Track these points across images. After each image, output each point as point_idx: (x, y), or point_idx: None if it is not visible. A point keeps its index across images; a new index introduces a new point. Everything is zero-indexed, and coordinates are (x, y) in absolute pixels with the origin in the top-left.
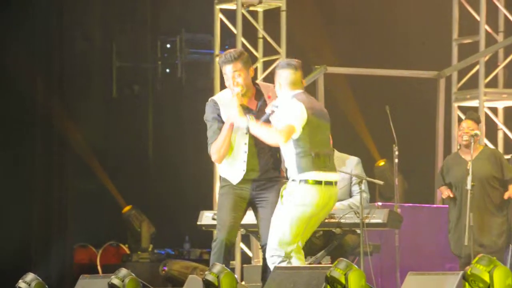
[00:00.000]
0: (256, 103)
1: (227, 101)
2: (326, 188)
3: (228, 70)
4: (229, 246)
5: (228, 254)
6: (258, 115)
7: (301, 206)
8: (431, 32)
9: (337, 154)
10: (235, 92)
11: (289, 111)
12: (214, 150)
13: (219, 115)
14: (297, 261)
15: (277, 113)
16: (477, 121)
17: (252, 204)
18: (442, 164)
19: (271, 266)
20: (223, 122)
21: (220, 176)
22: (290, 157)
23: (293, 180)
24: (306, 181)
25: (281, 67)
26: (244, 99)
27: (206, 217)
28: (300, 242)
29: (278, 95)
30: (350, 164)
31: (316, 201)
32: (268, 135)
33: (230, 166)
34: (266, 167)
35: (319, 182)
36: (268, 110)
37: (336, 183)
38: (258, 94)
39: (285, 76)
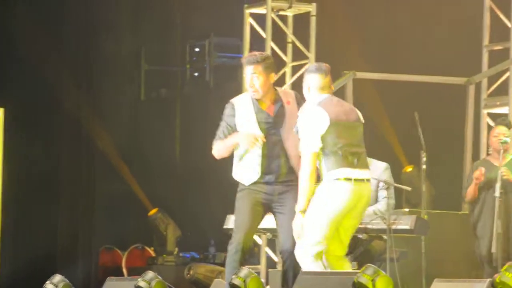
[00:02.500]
0: (273, 108)
1: (245, 104)
2: (356, 185)
3: (248, 70)
4: (246, 249)
5: (243, 258)
6: (275, 120)
7: (330, 204)
8: (461, 38)
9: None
10: (253, 142)
11: (307, 122)
12: (215, 151)
13: (232, 117)
14: (328, 263)
15: (299, 118)
16: (509, 127)
17: (270, 209)
18: (471, 168)
19: (303, 267)
20: (232, 127)
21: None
22: (319, 159)
23: (322, 180)
24: (335, 179)
25: (310, 71)
26: (262, 104)
27: (232, 221)
28: (331, 244)
29: (306, 98)
30: (378, 169)
31: (345, 197)
32: (304, 181)
33: (244, 169)
34: (280, 170)
35: (348, 179)
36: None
37: (368, 180)
38: (277, 99)
39: (315, 80)
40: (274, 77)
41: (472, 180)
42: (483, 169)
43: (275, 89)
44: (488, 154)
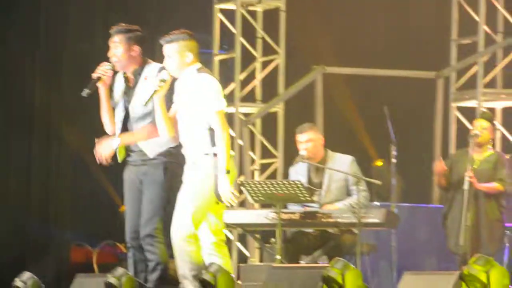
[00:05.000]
0: (133, 81)
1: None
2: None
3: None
4: (135, 247)
5: (136, 258)
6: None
7: (215, 178)
8: (430, 32)
9: (330, 153)
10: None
11: (210, 90)
12: None
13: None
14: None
15: (186, 91)
16: (489, 120)
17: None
18: (448, 158)
19: (183, 250)
20: None
21: None
22: (200, 132)
23: (206, 154)
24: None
25: (185, 39)
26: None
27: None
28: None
29: (176, 69)
30: (344, 163)
31: (232, 172)
32: (227, 140)
33: None
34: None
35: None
36: (155, 86)
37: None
38: (138, 72)
39: (193, 46)
40: (137, 49)
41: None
42: (441, 162)
43: (144, 63)
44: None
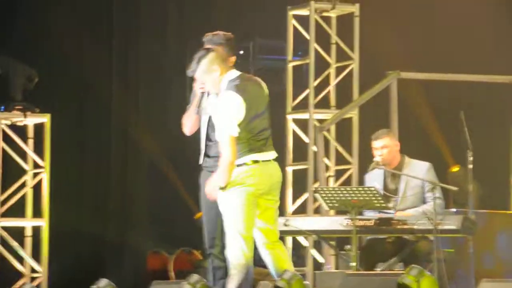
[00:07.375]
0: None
1: None
2: (264, 166)
3: None
4: (214, 254)
5: (215, 265)
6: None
7: (244, 188)
8: (507, 36)
9: (407, 160)
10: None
11: (225, 108)
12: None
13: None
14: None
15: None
16: None
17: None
18: None
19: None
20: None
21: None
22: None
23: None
24: (243, 164)
25: (213, 43)
26: None
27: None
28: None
29: (212, 83)
30: (421, 169)
31: (257, 179)
32: (225, 165)
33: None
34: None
35: (256, 162)
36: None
37: (275, 159)
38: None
39: (218, 56)
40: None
41: None
42: None
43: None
44: None
